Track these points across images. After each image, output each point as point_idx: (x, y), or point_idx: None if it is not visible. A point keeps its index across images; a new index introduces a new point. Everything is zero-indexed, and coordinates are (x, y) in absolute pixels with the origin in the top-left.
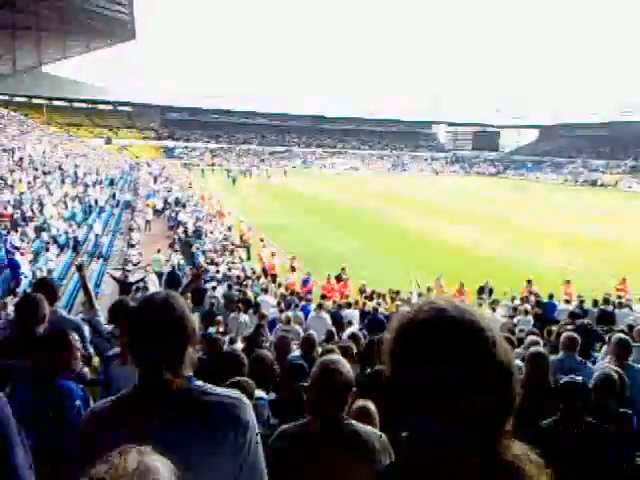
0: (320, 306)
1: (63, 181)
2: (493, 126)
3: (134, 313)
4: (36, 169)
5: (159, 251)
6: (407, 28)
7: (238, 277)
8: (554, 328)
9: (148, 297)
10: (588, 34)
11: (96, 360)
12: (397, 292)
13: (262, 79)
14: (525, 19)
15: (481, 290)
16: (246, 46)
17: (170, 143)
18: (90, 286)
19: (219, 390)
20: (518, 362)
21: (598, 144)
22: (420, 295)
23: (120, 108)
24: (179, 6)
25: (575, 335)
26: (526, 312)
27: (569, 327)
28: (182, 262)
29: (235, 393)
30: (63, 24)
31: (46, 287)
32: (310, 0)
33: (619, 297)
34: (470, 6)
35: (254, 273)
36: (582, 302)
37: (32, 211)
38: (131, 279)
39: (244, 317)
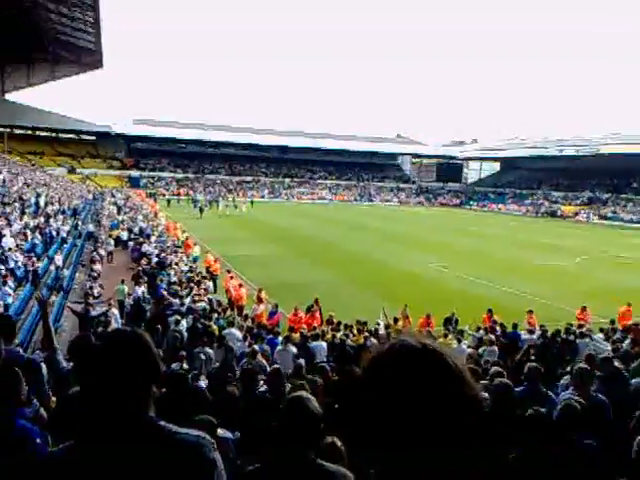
0: (287, 339)
1: (23, 212)
2: (457, 158)
3: (100, 349)
4: None
5: (123, 281)
6: (376, 59)
7: (204, 310)
8: (517, 357)
9: (115, 333)
10: (549, 70)
11: (54, 400)
12: (364, 323)
13: (231, 109)
14: (488, 49)
15: (447, 321)
16: (215, 77)
17: (135, 172)
18: (50, 321)
19: (183, 430)
20: (483, 394)
21: (557, 177)
22: (387, 327)
23: (84, 137)
24: (147, 35)
25: (538, 366)
26: (491, 342)
27: (531, 357)
28: (146, 295)
29: (199, 433)
30: (28, 52)
31: (2, 324)
32: (279, 32)
33: (580, 326)
34: (434, 39)
35: (220, 305)
36: (545, 332)
37: None
38: (93, 313)
39: (209, 351)
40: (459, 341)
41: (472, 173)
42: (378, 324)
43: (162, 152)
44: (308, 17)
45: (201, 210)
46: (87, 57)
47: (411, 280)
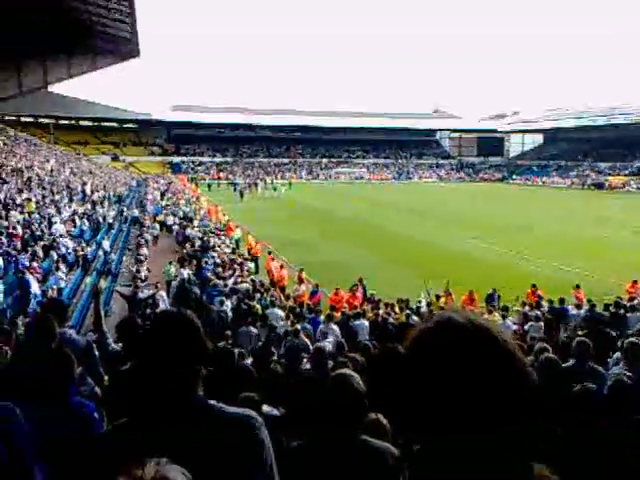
0: (329, 317)
1: (71, 199)
2: (498, 131)
3: (148, 330)
4: (44, 188)
5: (171, 263)
6: (411, 34)
7: (247, 290)
8: (566, 334)
9: (163, 314)
10: (591, 38)
11: (106, 379)
12: (406, 301)
13: (266, 92)
14: (526, 23)
15: (489, 297)
16: (249, 59)
17: (176, 158)
18: (100, 307)
19: (232, 409)
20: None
21: (603, 147)
22: (429, 304)
23: (126, 125)
24: (183, 22)
25: (587, 340)
26: (537, 318)
27: (580, 332)
28: (192, 276)
29: (248, 411)
30: (68, 45)
31: (56, 308)
32: (313, 11)
33: (630, 299)
34: (471, 13)
35: (262, 286)
36: (593, 307)
37: (41, 230)
38: (140, 296)
39: (253, 330)
40: (504, 317)
41: (514, 146)
42: (420, 302)
43: (201, 137)
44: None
45: (241, 194)
46: (125, 46)
47: (453, 257)
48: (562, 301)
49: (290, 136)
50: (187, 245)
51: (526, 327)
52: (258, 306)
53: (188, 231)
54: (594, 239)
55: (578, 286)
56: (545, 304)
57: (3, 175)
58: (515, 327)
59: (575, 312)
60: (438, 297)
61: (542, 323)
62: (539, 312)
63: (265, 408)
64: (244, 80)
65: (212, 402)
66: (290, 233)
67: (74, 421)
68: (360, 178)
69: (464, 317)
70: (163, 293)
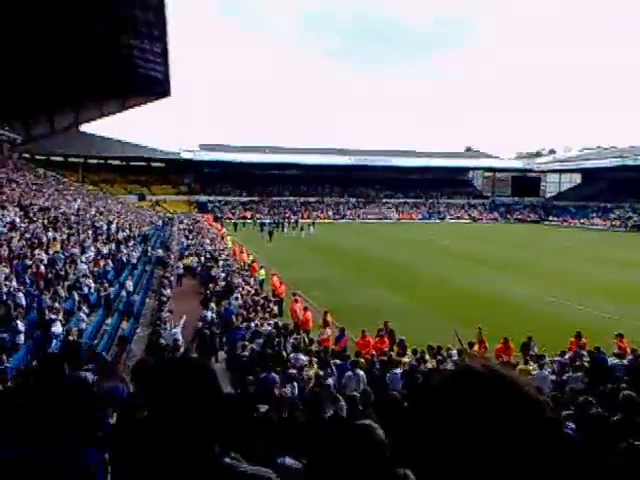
0: (355, 363)
1: (96, 238)
2: (533, 170)
3: (164, 377)
4: (70, 227)
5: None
6: (441, 71)
7: (270, 334)
8: (609, 386)
9: (181, 360)
10: (628, 74)
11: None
12: (437, 349)
13: (294, 131)
14: (562, 59)
15: (524, 346)
16: (275, 98)
17: (203, 197)
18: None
19: (250, 470)
20: (570, 424)
21: None
22: (460, 352)
23: (154, 164)
24: (211, 64)
25: (633, 394)
26: (577, 368)
27: (624, 384)
28: (215, 319)
29: (267, 473)
30: (101, 85)
31: (70, 350)
32: (340, 53)
33: None
34: (503, 49)
35: (286, 329)
36: (638, 357)
37: (65, 270)
38: (162, 340)
39: (275, 376)
40: (541, 367)
41: (550, 186)
42: (450, 349)
43: (228, 176)
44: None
45: (270, 234)
46: (156, 87)
47: (488, 302)
48: (601, 350)
49: (316, 174)
50: (211, 285)
51: (564, 377)
52: (283, 353)
53: (213, 271)
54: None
55: (621, 335)
56: (585, 353)
57: (30, 214)
58: (552, 377)
59: (617, 362)
60: (471, 344)
61: (582, 373)
62: (578, 362)
63: (287, 461)
64: (271, 119)
65: (228, 461)
66: (316, 274)
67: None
68: (389, 218)
69: (484, 365)
70: (178, 330)
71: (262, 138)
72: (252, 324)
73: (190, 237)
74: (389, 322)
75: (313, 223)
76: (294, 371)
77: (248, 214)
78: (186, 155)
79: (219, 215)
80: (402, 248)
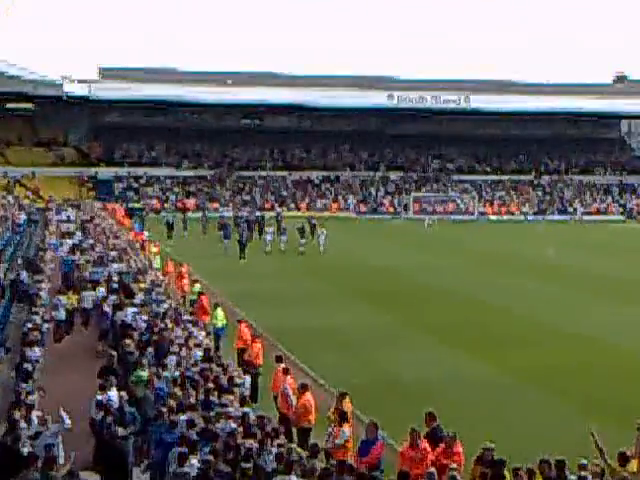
0: None
1: None
2: None
3: None
4: None
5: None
6: None
7: (232, 433)
8: None
9: None
10: None
11: None
12: (560, 463)
13: (275, 47)
14: None
15: None
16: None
17: (105, 170)
18: None
19: None
20: None
21: None
22: (602, 474)
23: (11, 107)
24: None
25: None
26: None
27: None
28: (126, 406)
29: None
30: None
31: None
32: None
33: None
34: None
35: (263, 425)
36: None
37: None
38: (24, 449)
39: None
40: None
41: None
42: (583, 465)
43: (154, 129)
44: None
45: (242, 245)
46: None
47: None
48: None
49: (324, 128)
50: (124, 341)
51: None
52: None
53: (124, 314)
54: None
55: None
56: None
57: None
58: None
59: None
60: (624, 457)
61: None
62: None
63: None
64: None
65: None
66: (331, 321)
67: None
68: (465, 212)
69: None
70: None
71: (219, 60)
72: (197, 419)
73: (80, 248)
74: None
75: (314, 225)
76: None
77: (192, 203)
78: (75, 89)
79: (136, 206)
80: (504, 272)
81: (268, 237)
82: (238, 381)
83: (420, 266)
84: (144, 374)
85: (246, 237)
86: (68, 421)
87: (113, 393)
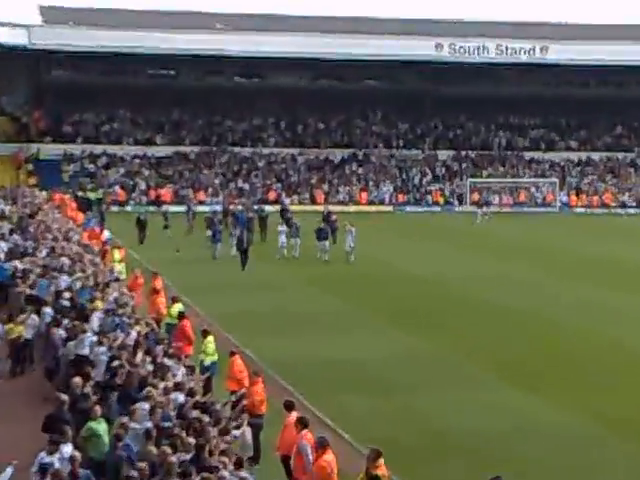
0: None
1: None
2: None
3: None
4: None
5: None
6: None
7: None
8: None
9: None
10: None
11: None
12: None
13: None
14: None
15: None
16: None
17: (50, 147)
18: None
19: None
20: None
21: None
22: None
23: None
24: None
25: None
26: None
27: None
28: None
29: None
30: None
31: None
32: None
33: None
34: None
35: None
36: None
37: None
38: None
39: None
40: None
41: None
42: None
43: (116, 89)
44: None
45: (243, 253)
46: None
47: None
48: None
49: (347, 89)
50: (74, 381)
51: None
52: None
53: (79, 344)
54: None
55: None
56: None
57: None
58: None
59: None
60: None
61: None
62: None
63: None
64: None
65: None
66: (351, 352)
67: None
68: (543, 203)
69: None
70: None
71: None
72: None
73: (18, 253)
74: None
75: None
76: None
77: (169, 192)
78: (7, 36)
79: (93, 196)
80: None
81: (281, 239)
82: (236, 434)
83: (479, 277)
84: (100, 427)
85: (248, 240)
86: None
87: (66, 450)
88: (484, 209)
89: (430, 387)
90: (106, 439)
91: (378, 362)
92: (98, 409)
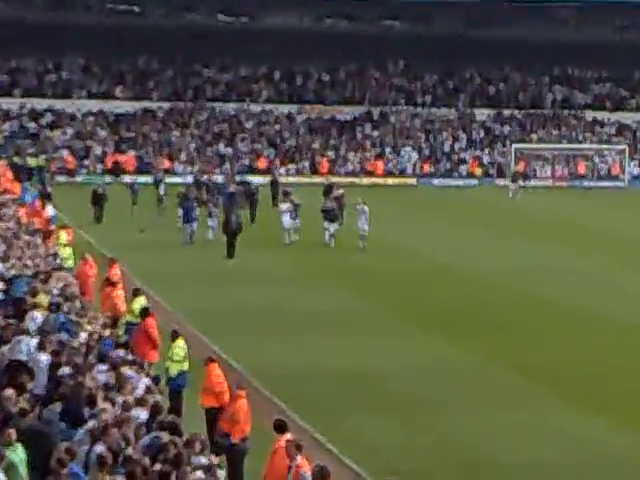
0: None
1: None
2: None
3: None
4: None
5: None
6: None
7: None
8: None
9: None
10: None
11: None
12: None
13: None
14: None
15: None
16: None
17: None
18: None
19: None
20: None
21: None
22: None
23: None
24: None
25: None
26: None
27: None
28: None
29: None
30: None
31: None
32: None
33: None
34: None
35: None
36: None
37: None
38: None
39: None
40: None
41: None
42: None
43: (64, 32)
44: None
45: (231, 235)
46: None
47: None
48: None
49: (357, 30)
50: (5, 394)
51: None
52: None
53: (15, 347)
54: None
55: None
56: None
57: None
58: None
59: None
60: None
61: None
62: None
63: None
64: None
65: None
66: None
67: None
68: (613, 175)
69: None
70: None
71: None
72: None
73: None
74: None
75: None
76: None
77: (130, 159)
78: None
79: (34, 163)
80: None
81: (285, 219)
82: (213, 461)
83: (523, 269)
84: (15, 455)
85: (236, 220)
86: None
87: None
88: (520, 182)
89: (462, 405)
90: (22, 470)
91: (397, 374)
92: (13, 433)
